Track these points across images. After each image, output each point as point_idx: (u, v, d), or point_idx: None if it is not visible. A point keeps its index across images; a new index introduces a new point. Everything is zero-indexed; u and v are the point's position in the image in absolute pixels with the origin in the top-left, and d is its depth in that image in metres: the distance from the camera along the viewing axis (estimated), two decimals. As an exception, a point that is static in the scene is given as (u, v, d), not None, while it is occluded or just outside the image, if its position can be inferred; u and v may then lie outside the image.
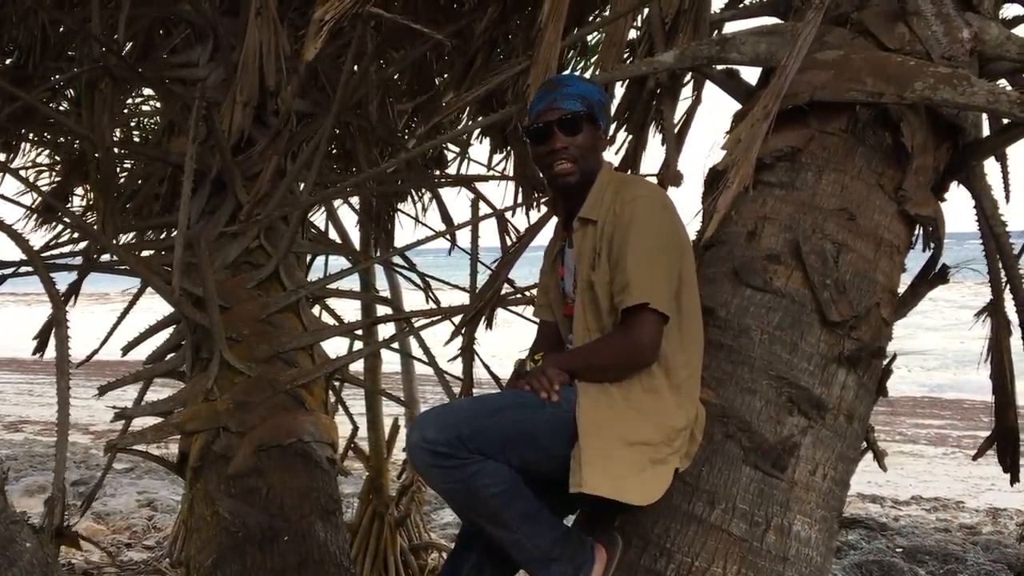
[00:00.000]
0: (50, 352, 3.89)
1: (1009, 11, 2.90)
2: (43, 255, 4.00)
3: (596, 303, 2.22)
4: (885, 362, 2.52)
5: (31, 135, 5.60)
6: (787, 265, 2.40)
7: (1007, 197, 3.26)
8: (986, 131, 2.81)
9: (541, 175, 2.38)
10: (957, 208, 2.94)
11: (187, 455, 3.91)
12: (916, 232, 2.61)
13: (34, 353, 4.36)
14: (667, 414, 2.17)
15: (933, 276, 2.67)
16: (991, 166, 3.16)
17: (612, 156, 3.28)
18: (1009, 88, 2.70)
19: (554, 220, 2.52)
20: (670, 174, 2.93)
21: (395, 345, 4.96)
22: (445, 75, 5.10)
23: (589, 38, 4.62)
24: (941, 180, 2.64)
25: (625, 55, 3.28)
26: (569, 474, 2.10)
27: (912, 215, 2.47)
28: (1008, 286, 2.94)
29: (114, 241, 4.24)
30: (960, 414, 12.13)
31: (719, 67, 2.87)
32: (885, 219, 2.46)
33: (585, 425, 2.11)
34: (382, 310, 5.24)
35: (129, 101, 5.89)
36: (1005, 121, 2.69)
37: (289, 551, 3.64)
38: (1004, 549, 6.15)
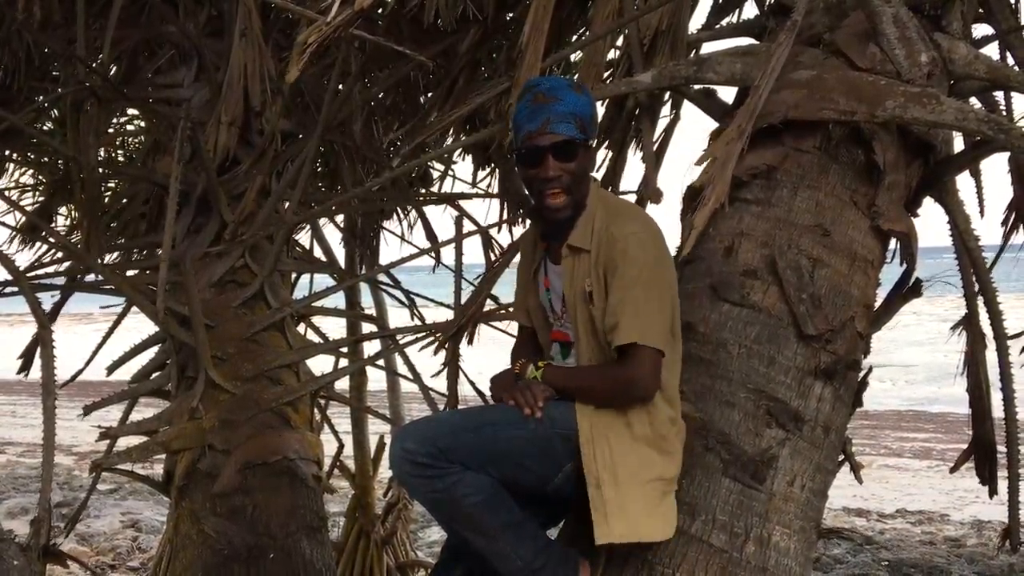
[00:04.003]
0: (34, 373, 3.89)
1: (978, 30, 2.97)
2: (28, 275, 4.01)
3: (598, 338, 2.19)
4: (861, 375, 2.57)
5: (15, 155, 5.61)
6: (764, 280, 2.44)
7: (981, 212, 3.33)
8: (961, 146, 2.88)
9: (528, 196, 2.31)
10: (934, 222, 3.00)
11: (172, 474, 3.92)
12: (892, 247, 2.66)
13: (18, 373, 4.35)
14: (671, 442, 2.19)
15: (907, 290, 2.72)
16: (966, 182, 3.24)
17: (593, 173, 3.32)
18: (978, 106, 2.78)
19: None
20: (650, 191, 2.98)
21: (380, 362, 4.97)
22: (430, 93, 5.15)
23: (572, 56, 4.68)
24: (914, 196, 2.69)
25: (605, 75, 3.32)
26: (569, 511, 2.14)
27: (885, 230, 2.52)
28: (982, 299, 3.00)
29: (99, 261, 4.25)
30: (944, 427, 12.19)
31: (696, 87, 2.92)
32: (859, 235, 2.51)
33: (601, 473, 2.11)
34: (367, 328, 5.26)
35: (114, 121, 5.90)
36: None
37: (275, 569, 3.65)
38: (989, 561, 6.19)
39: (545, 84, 2.26)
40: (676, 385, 2.24)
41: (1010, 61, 3.00)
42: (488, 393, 2.39)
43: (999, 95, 3.11)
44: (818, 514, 2.44)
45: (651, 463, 2.15)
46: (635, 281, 2.11)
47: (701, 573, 2.24)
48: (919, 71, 2.46)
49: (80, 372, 4.34)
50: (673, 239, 2.58)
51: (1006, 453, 3.13)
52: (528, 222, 2.64)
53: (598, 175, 3.34)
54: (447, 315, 4.18)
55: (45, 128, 5.35)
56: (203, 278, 4.09)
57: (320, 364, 4.53)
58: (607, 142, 3.34)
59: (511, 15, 4.14)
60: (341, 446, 5.35)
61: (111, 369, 4.05)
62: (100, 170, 4.71)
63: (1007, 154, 2.97)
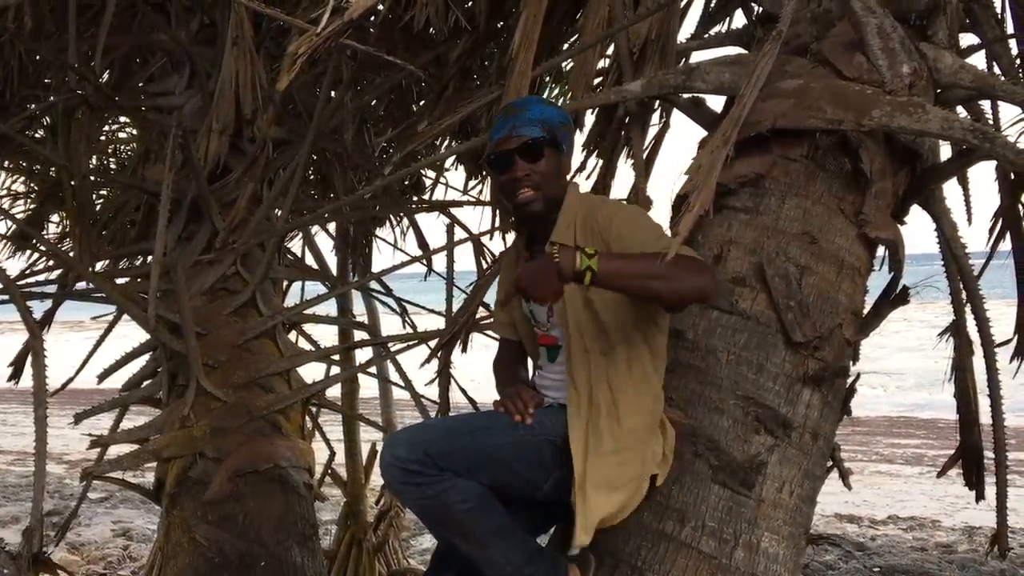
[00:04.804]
0: (24, 381, 3.89)
1: (964, 40, 2.99)
2: (18, 283, 4.00)
3: (596, 319, 2.18)
4: (849, 381, 2.58)
5: (7, 162, 5.61)
6: (752, 287, 2.45)
7: (969, 219, 3.35)
8: (948, 154, 2.90)
9: (506, 203, 2.35)
10: (925, 229, 3.02)
11: (163, 482, 3.91)
12: (880, 254, 2.68)
13: (8, 381, 4.35)
14: (649, 442, 2.20)
15: (895, 297, 2.73)
16: (954, 189, 3.26)
17: (583, 182, 3.34)
18: (964, 115, 2.80)
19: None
20: (639, 199, 2.99)
21: (372, 370, 4.98)
22: (422, 101, 5.17)
23: (563, 64, 4.70)
24: (901, 204, 2.71)
25: (595, 83, 3.34)
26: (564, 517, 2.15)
27: (872, 238, 2.53)
28: (969, 306, 3.02)
29: (90, 268, 4.25)
30: (935, 433, 12.23)
31: (686, 95, 2.94)
32: (846, 242, 2.52)
33: (586, 480, 2.13)
34: (359, 335, 5.26)
35: (106, 129, 5.90)
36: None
37: (266, 577, 3.63)
38: (980, 567, 6.21)
39: (517, 101, 2.36)
40: (659, 384, 2.25)
41: (996, 70, 3.03)
42: (480, 401, 2.40)
43: (985, 104, 3.14)
44: (807, 520, 2.45)
45: (633, 468, 2.17)
46: (650, 233, 2.13)
47: (690, 579, 2.25)
48: (901, 82, 2.48)
49: (71, 380, 4.34)
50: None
51: (994, 459, 3.15)
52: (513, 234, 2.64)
53: (588, 183, 3.38)
54: (439, 322, 4.19)
55: (36, 136, 5.35)
56: (194, 286, 4.10)
57: (312, 371, 4.53)
58: (597, 150, 3.36)
59: (502, 23, 4.16)
60: (333, 453, 5.34)
61: (102, 377, 4.04)
62: (91, 178, 4.72)
63: (995, 162, 2.99)
